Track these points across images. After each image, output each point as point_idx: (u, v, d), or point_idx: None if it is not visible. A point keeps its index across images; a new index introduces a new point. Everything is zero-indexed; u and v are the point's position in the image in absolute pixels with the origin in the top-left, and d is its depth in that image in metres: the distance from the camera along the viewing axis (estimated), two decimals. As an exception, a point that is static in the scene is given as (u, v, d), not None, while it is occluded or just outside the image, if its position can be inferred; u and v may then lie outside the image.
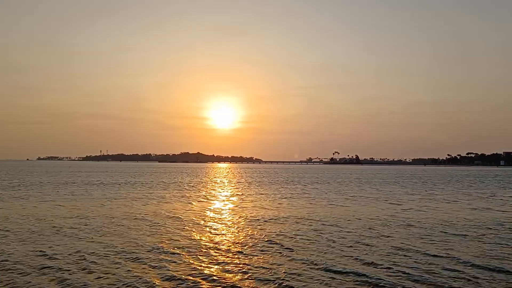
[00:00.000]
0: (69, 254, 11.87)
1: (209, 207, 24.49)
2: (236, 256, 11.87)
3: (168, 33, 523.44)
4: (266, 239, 14.41)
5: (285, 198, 31.51)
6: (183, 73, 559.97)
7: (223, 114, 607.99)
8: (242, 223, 18.35)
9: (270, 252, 12.43)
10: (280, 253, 12.37)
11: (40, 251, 12.20)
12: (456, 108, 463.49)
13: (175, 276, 9.80)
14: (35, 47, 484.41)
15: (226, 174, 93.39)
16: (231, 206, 25.68)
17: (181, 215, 20.46)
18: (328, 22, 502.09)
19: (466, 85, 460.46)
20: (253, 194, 34.64)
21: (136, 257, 11.57)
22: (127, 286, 9.09)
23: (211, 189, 40.57)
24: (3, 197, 28.43)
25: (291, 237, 14.84)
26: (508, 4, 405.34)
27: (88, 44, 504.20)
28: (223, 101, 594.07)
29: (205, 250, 12.57)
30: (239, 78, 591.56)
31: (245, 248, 13.00)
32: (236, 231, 16.15)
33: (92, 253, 12.06)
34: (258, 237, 14.89)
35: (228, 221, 18.99)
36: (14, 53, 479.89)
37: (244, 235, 15.34)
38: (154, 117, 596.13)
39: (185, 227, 16.84)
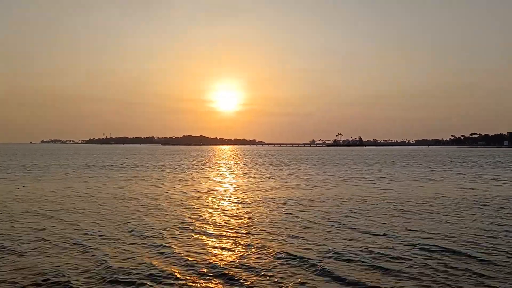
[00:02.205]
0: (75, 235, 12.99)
1: (200, 189, 25.61)
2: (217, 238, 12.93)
3: (169, 17, 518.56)
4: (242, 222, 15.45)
5: (276, 180, 32.59)
6: (185, 56, 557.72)
7: (225, 96, 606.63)
8: (231, 204, 19.44)
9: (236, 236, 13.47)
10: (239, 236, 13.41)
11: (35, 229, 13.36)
12: (459, 90, 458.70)
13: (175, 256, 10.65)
14: (39, 30, 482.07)
15: (227, 157, 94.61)
16: (221, 187, 26.79)
17: (182, 196, 21.61)
18: (329, 3, 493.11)
19: (469, 66, 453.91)
20: (247, 176, 35.74)
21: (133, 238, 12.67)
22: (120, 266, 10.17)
23: (212, 171, 41.75)
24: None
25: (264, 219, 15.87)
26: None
27: (92, 28, 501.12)
28: (225, 84, 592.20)
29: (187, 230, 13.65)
30: (241, 60, 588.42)
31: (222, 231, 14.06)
32: (222, 213, 17.24)
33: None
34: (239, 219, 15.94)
35: (214, 201, 20.09)
36: (18, 36, 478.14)
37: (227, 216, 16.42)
38: (156, 100, 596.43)
39: (182, 207, 17.97)
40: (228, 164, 59.00)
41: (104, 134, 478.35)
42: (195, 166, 50.68)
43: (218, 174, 38.52)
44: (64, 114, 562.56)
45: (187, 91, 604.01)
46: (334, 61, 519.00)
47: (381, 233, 12.56)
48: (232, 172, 40.70)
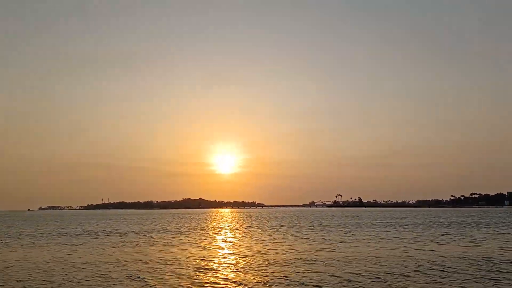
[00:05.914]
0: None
1: (201, 252, 26.03)
2: None
3: (164, 81, 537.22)
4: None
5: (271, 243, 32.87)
6: (180, 120, 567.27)
7: (222, 159, 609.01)
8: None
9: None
10: None
11: None
12: (457, 149, 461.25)
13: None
14: (35, 97, 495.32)
15: (225, 221, 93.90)
16: (218, 251, 27.18)
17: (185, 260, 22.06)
18: (315, 65, 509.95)
19: (465, 124, 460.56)
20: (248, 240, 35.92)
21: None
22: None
23: (208, 236, 41.93)
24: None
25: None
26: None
27: (88, 95, 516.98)
28: (223, 147, 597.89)
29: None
30: (235, 125, 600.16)
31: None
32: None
33: None
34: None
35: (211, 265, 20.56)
36: (14, 102, 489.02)
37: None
38: (154, 164, 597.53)
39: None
40: (218, 228, 58.92)
41: (102, 199, 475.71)
42: (182, 230, 50.71)
43: (201, 238, 38.72)
44: (61, 180, 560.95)
45: (184, 155, 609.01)
46: (326, 121, 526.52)
47: None
48: (213, 238, 40.83)
